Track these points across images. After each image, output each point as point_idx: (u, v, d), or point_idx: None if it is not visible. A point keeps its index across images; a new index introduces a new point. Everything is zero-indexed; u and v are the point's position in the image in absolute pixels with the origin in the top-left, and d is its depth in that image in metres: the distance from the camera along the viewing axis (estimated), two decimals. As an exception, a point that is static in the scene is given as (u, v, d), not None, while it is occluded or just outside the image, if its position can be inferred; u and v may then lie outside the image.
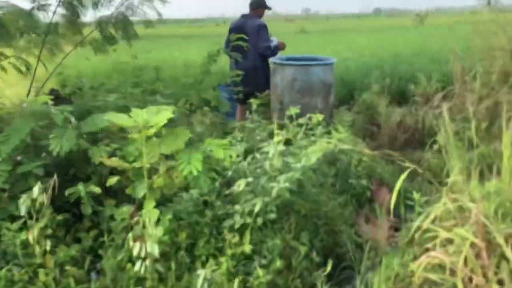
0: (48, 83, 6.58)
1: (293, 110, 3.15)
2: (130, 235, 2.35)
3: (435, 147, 4.96)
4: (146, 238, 2.26)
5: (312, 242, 2.98)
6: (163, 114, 2.57)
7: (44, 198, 2.38)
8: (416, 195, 3.11)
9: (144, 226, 2.27)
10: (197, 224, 2.77)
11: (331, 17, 73.80)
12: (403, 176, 2.41)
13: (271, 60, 5.20)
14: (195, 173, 2.45)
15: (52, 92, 5.43)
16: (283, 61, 5.16)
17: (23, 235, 2.47)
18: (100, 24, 4.46)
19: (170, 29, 36.26)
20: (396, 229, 3.56)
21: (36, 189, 2.39)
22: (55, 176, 2.51)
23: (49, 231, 2.51)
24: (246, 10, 6.24)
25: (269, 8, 6.20)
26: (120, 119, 2.53)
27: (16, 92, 5.83)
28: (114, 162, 2.54)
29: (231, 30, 6.12)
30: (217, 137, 4.06)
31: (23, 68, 4.87)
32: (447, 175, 3.34)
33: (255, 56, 5.81)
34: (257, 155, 2.60)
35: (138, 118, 2.54)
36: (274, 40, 6.04)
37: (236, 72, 5.29)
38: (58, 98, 5.38)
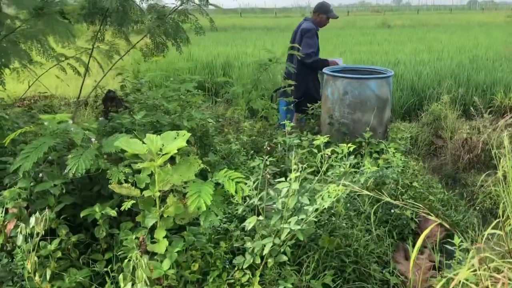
0: (112, 83, 6.76)
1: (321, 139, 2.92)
2: (121, 276, 2.27)
3: (500, 173, 4.54)
4: (136, 279, 2.17)
5: (336, 283, 2.78)
6: (178, 141, 2.47)
7: (40, 228, 2.35)
8: (456, 239, 2.80)
9: (137, 265, 2.18)
10: (210, 256, 2.66)
11: (422, 9, 70.82)
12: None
13: (323, 70, 4.95)
14: (203, 208, 2.32)
15: (109, 93, 5.53)
16: (334, 72, 4.89)
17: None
18: (151, 30, 4.42)
19: (253, 20, 36.42)
20: (440, 269, 3.26)
21: (32, 220, 2.38)
22: (46, 211, 2.49)
23: (59, 254, 2.51)
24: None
25: (333, 17, 5.85)
26: (133, 145, 2.45)
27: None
28: (123, 189, 2.48)
29: (293, 33, 5.95)
30: (251, 157, 3.96)
31: (81, 69, 4.97)
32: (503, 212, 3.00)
33: (299, 62, 5.59)
34: (271, 192, 2.44)
35: (151, 145, 2.46)
36: (341, 61, 5.74)
37: (288, 81, 5.13)
38: (113, 100, 5.47)
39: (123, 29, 4.10)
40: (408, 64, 9.77)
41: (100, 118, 3.89)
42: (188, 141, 3.14)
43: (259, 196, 2.39)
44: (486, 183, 4.62)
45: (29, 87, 5.18)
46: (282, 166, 3.66)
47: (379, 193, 3.57)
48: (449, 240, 2.95)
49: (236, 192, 2.41)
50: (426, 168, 5.21)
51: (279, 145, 3.83)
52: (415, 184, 4.07)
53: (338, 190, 2.18)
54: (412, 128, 6.34)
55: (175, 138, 2.56)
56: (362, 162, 4.18)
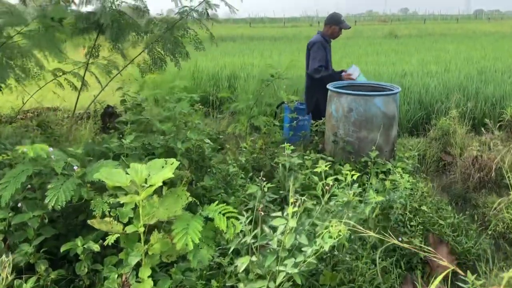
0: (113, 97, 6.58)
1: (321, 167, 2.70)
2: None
3: (513, 194, 4.31)
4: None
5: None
6: (165, 171, 2.26)
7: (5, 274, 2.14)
8: (469, 276, 2.56)
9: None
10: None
11: (428, 18, 70.69)
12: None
13: (327, 86, 4.73)
14: (191, 246, 2.11)
15: (107, 109, 5.35)
16: (338, 88, 4.68)
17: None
18: (149, 45, 4.24)
19: (262, 30, 36.33)
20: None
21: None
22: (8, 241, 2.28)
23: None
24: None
25: (345, 27, 5.65)
26: (115, 176, 2.25)
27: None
28: (103, 225, 2.27)
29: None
30: (251, 179, 3.73)
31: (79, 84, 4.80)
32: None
33: (308, 77, 5.39)
34: (266, 229, 2.22)
35: (135, 176, 2.25)
36: (356, 70, 5.52)
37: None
38: (112, 116, 5.29)
39: (118, 44, 3.92)
40: (415, 75, 9.55)
41: (89, 141, 3.69)
42: (181, 165, 2.93)
43: (252, 234, 2.18)
44: (499, 205, 4.38)
45: (26, 101, 5.03)
46: (282, 192, 3.43)
47: (384, 224, 3.36)
48: (460, 276, 2.71)
49: (227, 227, 2.19)
50: (434, 187, 4.97)
51: (280, 166, 3.60)
52: (423, 207, 3.84)
53: (339, 231, 1.96)
54: (420, 143, 6.11)
55: (163, 166, 2.35)
56: (368, 183, 3.96)
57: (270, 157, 4.42)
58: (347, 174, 2.67)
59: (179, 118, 3.38)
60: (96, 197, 2.55)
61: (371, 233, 1.94)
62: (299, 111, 5.56)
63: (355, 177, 2.66)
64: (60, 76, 4.44)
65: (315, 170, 2.67)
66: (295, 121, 5.18)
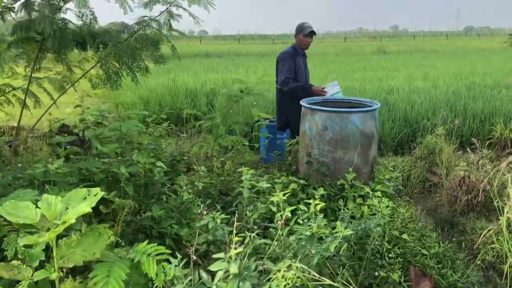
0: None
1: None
2: None
3: (503, 221, 3.93)
4: None
5: None
6: (85, 204, 1.87)
7: None
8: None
9: None
10: None
11: (418, 35, 71.30)
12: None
13: (300, 102, 4.36)
14: (110, 297, 1.72)
15: (62, 128, 4.97)
16: (312, 104, 4.31)
17: None
18: (102, 58, 3.88)
19: (250, 46, 36.19)
20: None
21: None
22: None
23: None
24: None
25: (305, 33, 5.19)
26: (22, 211, 1.86)
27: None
28: (4, 271, 1.87)
29: None
30: (213, 205, 3.33)
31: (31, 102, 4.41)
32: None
33: (277, 90, 5.04)
34: (203, 274, 1.83)
35: (47, 210, 1.86)
36: (335, 87, 5.09)
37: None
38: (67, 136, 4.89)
39: (63, 56, 3.53)
40: (401, 92, 9.25)
41: (7, 167, 3.28)
42: (125, 193, 2.55)
43: (187, 280, 1.78)
44: (488, 232, 4.02)
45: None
46: (239, 224, 3.01)
47: (360, 255, 2.96)
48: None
49: (157, 275, 1.80)
50: (419, 210, 4.61)
51: (244, 190, 3.18)
52: (404, 236, 3.46)
53: (290, 278, 1.57)
54: (405, 162, 5.75)
55: (85, 198, 1.97)
56: (344, 208, 3.58)
57: (239, 179, 4.04)
58: (313, 202, 2.28)
59: (127, 138, 3.00)
60: (10, 234, 2.15)
61: (328, 281, 1.55)
62: (275, 129, 5.22)
63: (319, 208, 2.28)
64: (8, 92, 4.03)
65: (271, 199, 2.29)
66: (267, 140, 4.81)
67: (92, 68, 3.97)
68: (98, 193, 1.98)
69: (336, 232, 2.23)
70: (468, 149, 5.47)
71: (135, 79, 4.00)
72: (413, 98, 8.27)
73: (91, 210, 1.86)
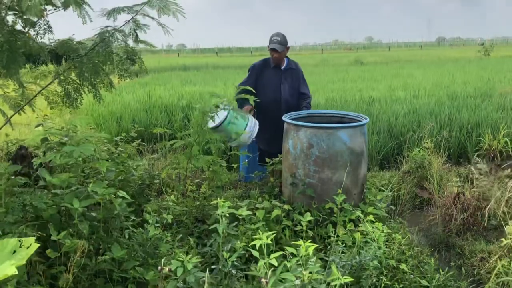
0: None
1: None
2: None
3: (506, 241, 3.60)
4: None
5: None
6: (6, 265, 1.44)
7: None
8: None
9: None
10: None
11: (393, 46, 72.47)
12: None
13: (283, 117, 3.96)
14: None
15: (20, 150, 4.49)
16: (296, 120, 3.93)
17: None
18: (59, 74, 3.44)
19: (228, 59, 35.99)
20: None
21: None
22: None
23: None
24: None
25: (270, 47, 4.77)
26: None
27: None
28: None
29: None
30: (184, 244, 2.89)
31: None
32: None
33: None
34: None
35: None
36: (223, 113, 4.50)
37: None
38: (25, 159, 4.44)
39: (13, 71, 3.08)
40: (383, 102, 8.97)
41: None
42: (79, 231, 2.14)
43: None
44: (489, 255, 3.68)
45: None
46: (214, 266, 2.54)
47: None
48: None
49: None
50: (413, 232, 4.25)
51: (220, 228, 2.74)
52: (402, 266, 3.10)
53: None
54: (392, 178, 5.41)
55: (15, 251, 1.54)
56: (335, 235, 3.20)
57: (216, 205, 3.63)
58: (302, 248, 1.88)
59: (85, 165, 2.57)
60: None
61: None
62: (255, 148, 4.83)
63: (310, 250, 1.88)
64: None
65: (253, 243, 1.88)
66: (246, 160, 4.41)
67: (49, 84, 3.53)
68: (32, 244, 1.55)
69: (332, 280, 1.83)
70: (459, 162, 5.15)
71: (98, 95, 3.58)
72: (396, 109, 7.97)
73: (37, 256, 1.45)
